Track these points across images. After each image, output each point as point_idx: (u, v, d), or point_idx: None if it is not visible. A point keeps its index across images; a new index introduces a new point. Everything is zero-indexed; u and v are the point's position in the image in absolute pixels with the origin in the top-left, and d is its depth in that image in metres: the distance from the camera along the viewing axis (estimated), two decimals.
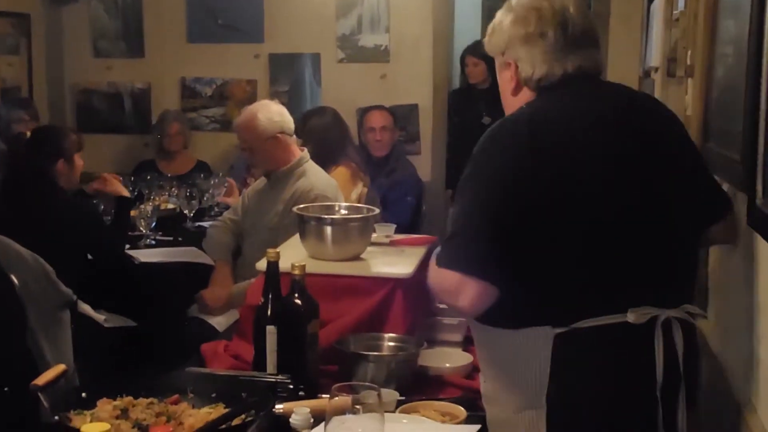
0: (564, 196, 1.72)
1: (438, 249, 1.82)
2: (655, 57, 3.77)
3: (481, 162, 1.78)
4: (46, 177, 3.62)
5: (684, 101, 2.80)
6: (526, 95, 1.90)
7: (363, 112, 5.10)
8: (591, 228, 1.74)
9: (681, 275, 1.86)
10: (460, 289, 1.72)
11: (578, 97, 1.84)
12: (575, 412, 1.75)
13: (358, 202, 4.03)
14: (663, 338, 1.75)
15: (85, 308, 3.46)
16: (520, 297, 1.75)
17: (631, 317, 1.73)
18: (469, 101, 5.61)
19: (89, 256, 3.57)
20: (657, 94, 3.78)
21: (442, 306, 2.84)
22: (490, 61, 5.76)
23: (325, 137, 4.45)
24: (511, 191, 1.72)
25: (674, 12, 3.26)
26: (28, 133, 3.96)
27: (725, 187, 2.11)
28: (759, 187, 1.73)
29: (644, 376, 1.75)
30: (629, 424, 1.77)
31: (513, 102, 1.94)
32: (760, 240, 1.73)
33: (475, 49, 5.76)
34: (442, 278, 1.78)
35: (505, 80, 1.96)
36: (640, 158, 1.80)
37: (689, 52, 2.73)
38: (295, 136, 3.70)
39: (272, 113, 3.64)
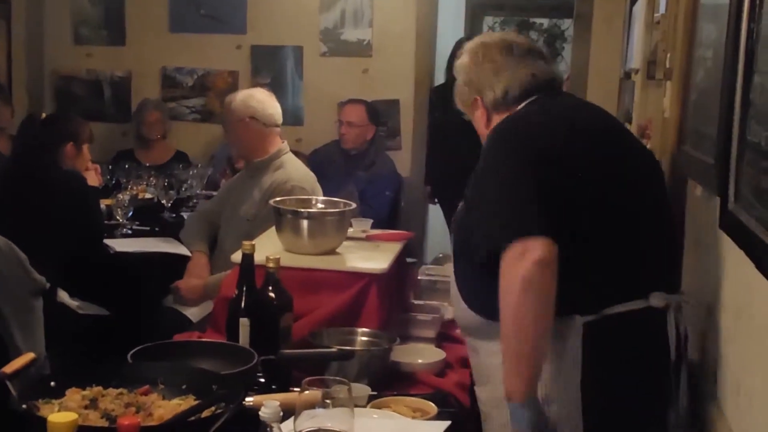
0: (582, 185, 1.85)
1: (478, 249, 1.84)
2: (636, 59, 3.79)
3: (502, 152, 1.89)
4: (51, 154, 3.73)
5: (662, 104, 2.81)
6: (499, 119, 2.05)
7: (340, 105, 5.10)
8: (608, 216, 1.87)
9: (677, 262, 2.03)
10: (521, 255, 1.72)
11: (553, 103, 2.04)
12: (609, 394, 1.84)
13: None
14: (674, 324, 1.87)
15: (63, 296, 3.45)
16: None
17: (654, 301, 1.85)
18: (451, 97, 5.59)
19: (75, 240, 3.56)
20: (637, 96, 3.80)
21: (417, 302, 2.85)
22: None
23: None
24: (538, 175, 1.81)
25: (655, 15, 3.28)
26: (44, 114, 4.09)
27: (698, 190, 2.13)
28: (731, 191, 1.75)
29: (661, 356, 1.88)
30: (652, 402, 1.88)
31: (485, 132, 2.09)
32: (730, 243, 1.75)
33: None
34: (505, 272, 1.74)
35: (478, 119, 2.16)
36: (627, 157, 1.99)
37: (669, 55, 2.75)
38: (277, 128, 3.69)
39: (251, 98, 3.65)
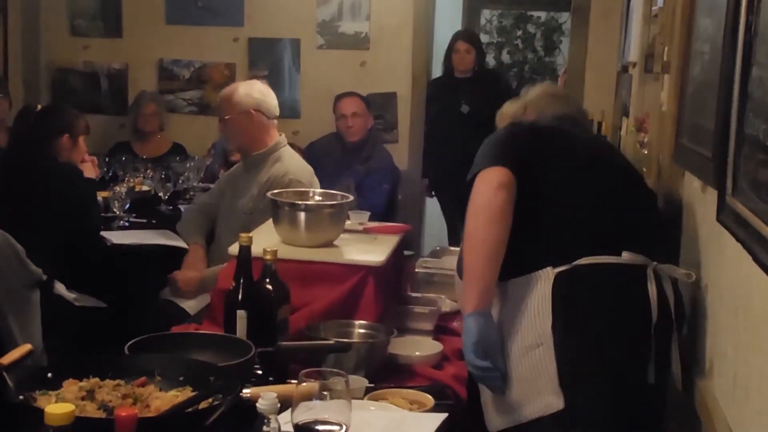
0: (566, 159, 2.14)
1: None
2: (634, 52, 3.79)
3: (501, 133, 2.20)
4: (46, 146, 3.70)
5: (660, 97, 2.81)
6: None
7: (336, 100, 5.10)
8: (586, 184, 2.11)
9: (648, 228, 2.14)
10: (482, 182, 2.01)
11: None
12: (580, 338, 1.95)
13: None
14: (655, 285, 1.97)
15: (60, 288, 3.45)
16: (525, 243, 2.01)
17: (625, 255, 1.99)
18: (449, 90, 5.61)
19: (71, 232, 3.56)
20: (634, 90, 3.80)
21: (414, 295, 2.86)
22: (480, 50, 5.79)
23: None
24: (525, 148, 2.11)
25: (653, 8, 3.28)
26: (39, 106, 4.04)
27: (696, 183, 2.13)
28: (729, 184, 1.75)
29: (639, 313, 1.96)
30: (626, 354, 1.96)
31: None
32: (728, 236, 1.75)
33: (467, 36, 5.75)
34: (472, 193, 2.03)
35: None
36: (614, 160, 2.27)
37: (666, 49, 2.75)
38: (275, 120, 3.68)
39: (253, 89, 3.64)
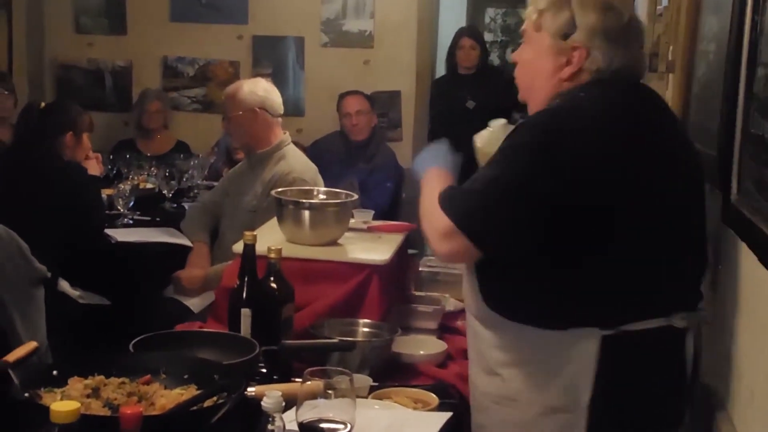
0: (614, 196, 1.71)
1: (447, 189, 1.83)
2: None
3: (541, 138, 1.72)
4: (50, 144, 3.71)
5: (665, 96, 2.81)
6: (575, 82, 1.82)
7: (340, 98, 5.10)
8: (637, 231, 1.74)
9: (700, 278, 1.90)
10: (445, 237, 1.76)
11: (628, 97, 1.81)
12: (619, 413, 1.77)
13: None
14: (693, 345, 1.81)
15: (64, 285, 3.46)
16: (571, 297, 1.75)
17: (676, 322, 1.77)
18: (453, 87, 5.61)
19: (75, 230, 3.56)
20: None
21: (418, 294, 2.86)
22: (483, 47, 5.74)
23: None
24: (561, 181, 1.68)
25: (658, 7, 3.28)
26: (43, 103, 4.03)
27: None
28: (734, 185, 1.75)
29: (677, 376, 1.82)
30: (662, 423, 1.82)
31: (549, 85, 1.84)
32: (733, 236, 1.75)
33: (471, 32, 5.76)
34: (435, 216, 1.78)
35: (556, 63, 1.83)
36: (676, 168, 1.79)
37: (671, 48, 2.75)
38: (280, 118, 3.69)
39: (258, 87, 3.65)
